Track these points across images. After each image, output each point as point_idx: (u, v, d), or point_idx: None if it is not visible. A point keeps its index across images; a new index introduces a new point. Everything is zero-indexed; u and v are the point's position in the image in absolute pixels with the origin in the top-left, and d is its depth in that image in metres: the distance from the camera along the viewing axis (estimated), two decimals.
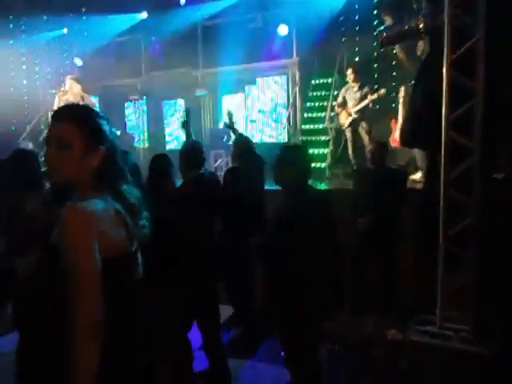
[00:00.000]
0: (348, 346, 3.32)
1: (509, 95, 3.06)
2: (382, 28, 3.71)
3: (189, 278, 2.38)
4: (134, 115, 8.75)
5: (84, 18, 8.53)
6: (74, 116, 1.19)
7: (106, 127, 1.23)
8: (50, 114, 8.92)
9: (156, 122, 8.71)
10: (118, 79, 8.20)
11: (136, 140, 8.17)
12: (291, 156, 2.36)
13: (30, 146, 6.78)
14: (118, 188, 1.21)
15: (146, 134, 8.65)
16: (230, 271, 3.39)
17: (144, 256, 1.34)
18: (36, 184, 2.25)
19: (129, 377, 1.18)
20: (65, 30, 8.82)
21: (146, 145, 8.38)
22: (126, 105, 8.83)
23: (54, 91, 6.88)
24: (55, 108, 6.17)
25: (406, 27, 3.45)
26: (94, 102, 6.41)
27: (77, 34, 8.82)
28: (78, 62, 8.47)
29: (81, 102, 6.08)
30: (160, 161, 2.89)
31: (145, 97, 8.56)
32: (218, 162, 7.49)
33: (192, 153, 2.77)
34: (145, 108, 8.67)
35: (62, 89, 6.30)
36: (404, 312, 3.66)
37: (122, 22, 8.22)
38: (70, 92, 6.09)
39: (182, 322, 2.49)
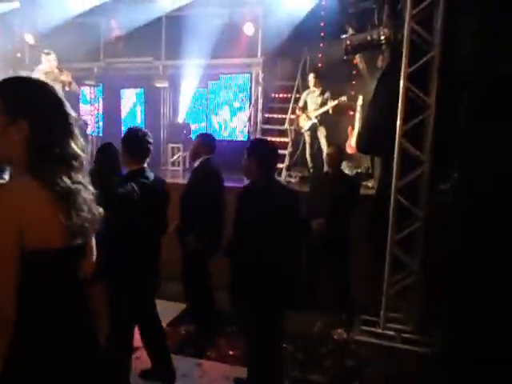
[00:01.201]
0: (296, 344, 3.37)
1: (459, 110, 3.25)
2: (346, 36, 3.79)
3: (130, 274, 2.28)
4: (89, 101, 8.34)
5: None
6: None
7: (34, 97, 1.08)
8: None
9: (112, 111, 8.35)
10: (73, 62, 7.76)
11: (89, 128, 7.77)
12: (258, 148, 2.40)
13: None
14: (52, 173, 1.05)
15: (100, 122, 8.26)
16: (188, 269, 3.33)
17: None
18: None
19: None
20: (17, 4, 8.21)
21: (101, 133, 8.01)
22: (80, 89, 8.38)
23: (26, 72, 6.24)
24: None
25: (369, 37, 3.57)
26: (67, 75, 5.95)
27: (31, 9, 8.24)
28: (29, 39, 7.92)
29: (60, 77, 5.73)
30: (107, 150, 2.69)
31: (101, 83, 8.18)
32: (176, 156, 7.33)
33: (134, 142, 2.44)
34: (101, 95, 8.28)
35: (41, 67, 5.77)
36: (353, 312, 3.79)
37: (81, 1, 7.79)
38: (48, 66, 5.70)
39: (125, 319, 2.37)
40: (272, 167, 2.44)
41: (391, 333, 3.47)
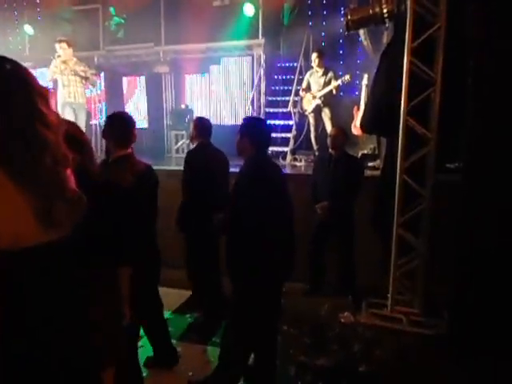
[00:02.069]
0: (303, 328, 3.34)
1: (466, 86, 3.11)
2: (347, 10, 3.64)
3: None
4: (91, 90, 8.28)
5: None
6: None
7: (3, 78, 0.98)
8: None
9: (115, 99, 8.29)
10: (73, 51, 7.69)
11: (92, 117, 7.74)
12: (248, 125, 2.37)
13: None
14: (17, 160, 0.96)
15: (103, 110, 8.23)
16: (195, 255, 3.30)
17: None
18: None
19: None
20: None
21: (103, 122, 7.98)
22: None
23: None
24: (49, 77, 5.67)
25: (371, 11, 3.42)
26: (85, 67, 5.81)
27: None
28: (29, 29, 7.86)
29: (82, 69, 5.63)
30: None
31: (103, 72, 8.10)
32: (180, 143, 7.28)
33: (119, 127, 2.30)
34: (102, 83, 8.21)
35: (57, 54, 5.60)
36: (359, 295, 3.74)
37: None
38: (66, 56, 5.54)
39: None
40: (264, 144, 2.37)
41: (398, 315, 3.42)
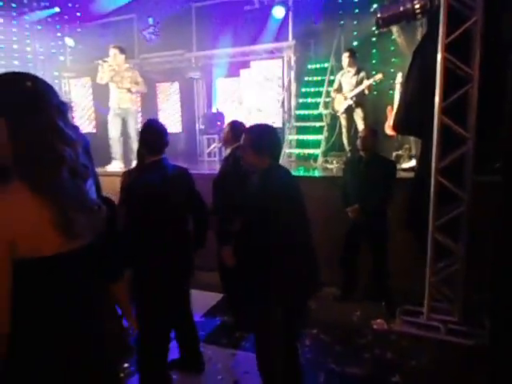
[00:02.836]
0: (334, 335, 3.27)
1: (505, 83, 2.93)
2: (377, 7, 3.54)
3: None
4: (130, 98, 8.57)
5: None
6: None
7: (9, 95, 1.02)
8: None
9: (149, 105, 8.54)
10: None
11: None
12: (253, 135, 2.17)
13: None
14: (37, 173, 1.00)
15: (140, 117, 8.49)
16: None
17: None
18: None
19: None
20: (57, 9, 8.57)
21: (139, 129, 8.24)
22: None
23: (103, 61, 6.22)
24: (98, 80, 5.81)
25: (401, 8, 3.30)
26: (135, 74, 5.95)
27: (69, 13, 8.57)
28: (70, 42, 8.26)
29: (126, 74, 5.76)
30: None
31: None
32: (212, 147, 7.37)
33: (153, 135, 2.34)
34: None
35: (106, 59, 5.78)
36: (393, 301, 3.61)
37: (115, 1, 7.97)
38: (115, 62, 5.71)
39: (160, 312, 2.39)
40: (275, 154, 2.17)
41: (435, 323, 3.27)
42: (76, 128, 1.16)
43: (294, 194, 2.10)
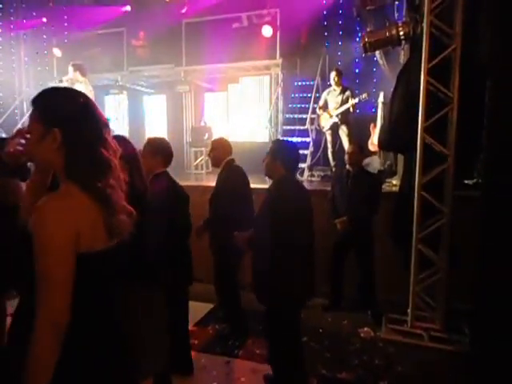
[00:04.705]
0: (323, 342, 3.38)
1: (482, 104, 3.19)
2: (364, 33, 3.78)
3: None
4: (114, 109, 8.62)
5: (64, 8, 8.34)
6: (36, 98, 1.18)
7: (65, 107, 1.14)
8: (25, 105, 8.72)
9: (136, 117, 8.60)
10: (98, 72, 8.05)
11: (114, 134, 8.02)
12: (278, 147, 2.46)
13: (3, 135, 6.59)
14: (88, 177, 1.12)
15: (126, 128, 8.52)
16: (220, 268, 3.39)
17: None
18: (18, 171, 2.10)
19: (91, 371, 1.13)
20: (44, 20, 8.59)
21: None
22: (106, 98, 8.68)
23: (56, 82, 6.56)
24: None
25: (387, 34, 3.55)
26: (88, 89, 6.17)
27: (57, 23, 8.60)
28: (57, 52, 8.26)
29: (87, 91, 5.95)
30: None
31: (125, 91, 8.43)
32: (199, 160, 7.46)
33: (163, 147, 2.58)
34: (126, 102, 8.54)
35: (65, 78, 6.09)
36: (379, 310, 3.76)
37: (104, 14, 8.07)
38: (76, 80, 5.99)
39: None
40: (294, 167, 2.51)
41: (419, 331, 3.43)
42: (115, 141, 1.26)
43: (300, 207, 2.31)
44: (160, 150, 2.54)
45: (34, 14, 8.58)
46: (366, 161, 5.24)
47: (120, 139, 1.63)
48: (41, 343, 1.01)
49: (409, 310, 3.55)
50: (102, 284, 1.17)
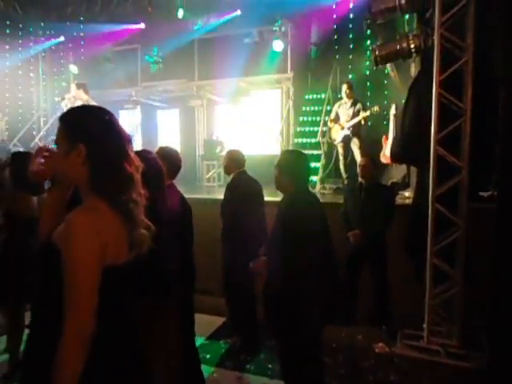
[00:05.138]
0: (337, 358, 3.32)
1: (496, 115, 3.16)
2: (375, 46, 3.80)
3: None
4: (129, 124, 8.78)
5: (81, 26, 8.61)
6: (64, 115, 1.22)
7: (89, 124, 1.18)
8: (42, 120, 8.96)
9: (150, 131, 8.74)
10: (113, 88, 8.25)
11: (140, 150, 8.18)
12: (285, 160, 2.35)
13: (21, 149, 6.78)
14: (112, 192, 1.15)
15: (140, 142, 8.66)
16: (232, 282, 3.38)
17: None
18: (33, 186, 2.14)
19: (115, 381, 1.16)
20: (62, 38, 8.87)
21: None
22: (120, 113, 8.87)
23: (58, 99, 6.99)
24: None
25: (398, 47, 3.56)
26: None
27: (74, 41, 8.88)
28: (74, 69, 8.50)
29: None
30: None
31: (139, 106, 8.60)
32: (211, 173, 7.52)
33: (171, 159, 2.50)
34: (139, 117, 8.71)
35: (68, 95, 6.43)
36: (394, 325, 3.69)
37: (119, 31, 8.30)
38: (78, 98, 6.32)
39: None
40: (304, 180, 2.36)
41: (435, 347, 3.35)
42: (137, 157, 1.29)
43: (312, 226, 2.15)
44: (166, 158, 2.52)
45: (52, 32, 8.88)
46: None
47: (145, 155, 1.67)
48: (68, 353, 1.03)
49: (424, 325, 3.47)
50: (123, 296, 1.20)
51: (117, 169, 1.17)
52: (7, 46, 8.62)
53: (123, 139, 1.22)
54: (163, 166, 2.35)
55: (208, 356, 3.30)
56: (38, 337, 1.16)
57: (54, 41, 8.97)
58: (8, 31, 8.62)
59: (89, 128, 1.17)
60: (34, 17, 8.40)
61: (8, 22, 8.49)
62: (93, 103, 6.37)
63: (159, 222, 1.31)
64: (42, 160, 1.29)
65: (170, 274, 1.73)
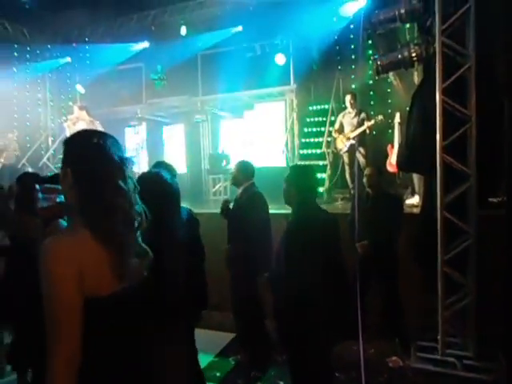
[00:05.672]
0: (350, 373, 3.24)
1: (501, 120, 3.13)
2: (376, 57, 3.81)
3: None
4: (134, 140, 8.87)
5: (87, 47, 8.78)
6: (63, 141, 1.22)
7: (76, 149, 1.16)
8: (50, 140, 9.09)
9: (156, 147, 8.82)
10: (119, 105, 8.36)
11: (135, 165, 8.24)
12: (297, 174, 2.42)
13: (29, 170, 6.87)
14: (94, 219, 1.11)
15: (146, 158, 8.74)
16: (239, 298, 3.35)
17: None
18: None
19: None
20: (68, 59, 9.05)
21: (146, 170, 8.45)
22: (126, 130, 8.97)
23: (61, 120, 7.17)
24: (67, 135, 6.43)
25: (399, 56, 3.56)
26: (101, 127, 6.59)
27: (80, 62, 9.05)
28: (80, 89, 8.65)
29: (90, 127, 6.29)
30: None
31: (144, 122, 8.70)
32: (217, 186, 7.53)
33: None
34: (145, 133, 8.79)
35: (71, 117, 6.56)
36: (407, 337, 3.60)
37: (123, 50, 8.46)
38: (81, 119, 6.47)
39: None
40: (311, 193, 2.40)
41: (451, 359, 3.26)
42: (131, 181, 1.25)
43: (310, 238, 2.15)
44: None
45: (59, 54, 9.08)
46: None
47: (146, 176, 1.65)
48: (53, 380, 1.01)
49: (439, 337, 3.38)
50: (112, 328, 1.13)
51: (99, 195, 1.13)
52: (15, 69, 8.81)
53: (111, 164, 1.17)
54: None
55: (218, 374, 3.25)
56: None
57: (60, 62, 9.14)
58: (16, 54, 8.84)
59: (74, 153, 1.17)
60: (42, 41, 8.62)
61: (16, 46, 8.70)
62: (96, 123, 6.49)
63: (163, 245, 1.28)
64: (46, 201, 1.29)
65: (174, 298, 1.69)
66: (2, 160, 7.25)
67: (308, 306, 2.07)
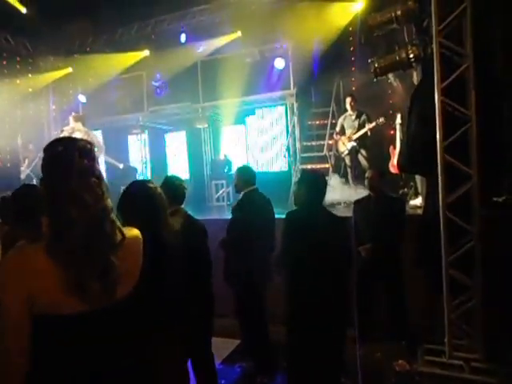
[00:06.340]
0: (356, 378, 3.21)
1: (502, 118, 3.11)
2: (374, 59, 3.80)
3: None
4: (137, 148, 8.92)
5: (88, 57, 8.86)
6: None
7: (44, 160, 1.10)
8: None
9: (158, 155, 8.86)
10: (120, 114, 8.42)
11: (138, 173, 8.29)
12: (308, 177, 2.59)
13: (34, 181, 6.93)
14: (50, 234, 1.04)
15: (148, 166, 8.78)
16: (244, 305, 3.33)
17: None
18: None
19: None
20: (70, 69, 9.13)
21: (149, 177, 8.48)
22: (128, 138, 9.02)
23: (58, 132, 7.21)
24: None
25: (397, 57, 3.55)
26: (97, 137, 6.64)
27: (81, 72, 9.12)
28: (82, 98, 8.72)
29: (85, 137, 6.33)
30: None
31: (146, 130, 8.74)
32: (220, 192, 7.54)
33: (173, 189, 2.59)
34: (147, 141, 8.84)
35: (66, 128, 6.60)
36: (414, 341, 3.56)
37: (124, 59, 8.52)
38: (77, 129, 6.50)
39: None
40: (319, 198, 2.54)
41: (458, 362, 3.22)
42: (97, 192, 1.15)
43: (313, 238, 2.30)
44: (165, 189, 2.49)
45: (61, 64, 9.16)
46: None
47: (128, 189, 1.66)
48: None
49: (446, 340, 3.34)
50: (69, 347, 1.06)
51: (56, 209, 1.06)
52: (18, 81, 8.90)
53: (74, 174, 1.07)
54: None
55: (223, 382, 3.22)
56: None
57: (62, 72, 9.23)
58: (18, 66, 8.93)
59: (43, 163, 1.11)
60: (44, 53, 8.71)
61: (18, 59, 8.80)
62: (91, 134, 6.53)
63: (147, 256, 1.23)
64: None
65: (169, 309, 1.67)
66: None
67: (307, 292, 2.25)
